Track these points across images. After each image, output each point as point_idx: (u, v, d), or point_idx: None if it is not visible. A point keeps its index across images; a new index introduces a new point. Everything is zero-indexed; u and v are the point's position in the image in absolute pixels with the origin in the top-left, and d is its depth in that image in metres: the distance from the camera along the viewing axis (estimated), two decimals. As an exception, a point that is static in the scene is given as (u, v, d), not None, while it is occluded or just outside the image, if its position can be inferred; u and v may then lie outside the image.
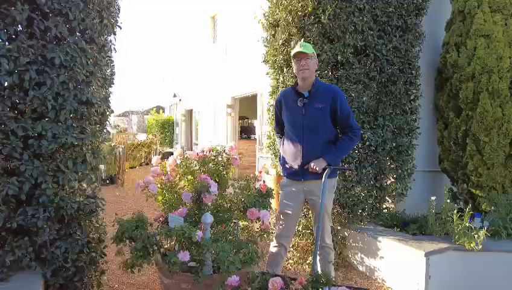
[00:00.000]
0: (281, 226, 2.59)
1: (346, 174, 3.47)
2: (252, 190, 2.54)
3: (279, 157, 2.73)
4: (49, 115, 2.07)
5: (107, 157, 8.64)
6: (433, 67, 4.51)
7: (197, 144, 12.23)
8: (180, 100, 14.09)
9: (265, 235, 2.52)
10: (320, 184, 2.47)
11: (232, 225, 2.47)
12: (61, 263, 2.19)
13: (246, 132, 11.27)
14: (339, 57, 3.40)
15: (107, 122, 2.64)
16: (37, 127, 2.01)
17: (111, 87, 2.77)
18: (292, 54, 2.43)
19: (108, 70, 2.68)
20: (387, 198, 3.96)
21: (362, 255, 3.36)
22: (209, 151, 2.72)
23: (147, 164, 12.92)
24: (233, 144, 2.81)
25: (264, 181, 2.57)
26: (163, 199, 2.60)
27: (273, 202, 2.91)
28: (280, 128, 2.71)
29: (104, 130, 2.62)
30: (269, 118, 4.04)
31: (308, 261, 3.40)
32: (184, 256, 1.99)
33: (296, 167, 2.49)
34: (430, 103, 4.52)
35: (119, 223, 2.31)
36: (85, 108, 2.24)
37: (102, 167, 8.68)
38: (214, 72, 10.18)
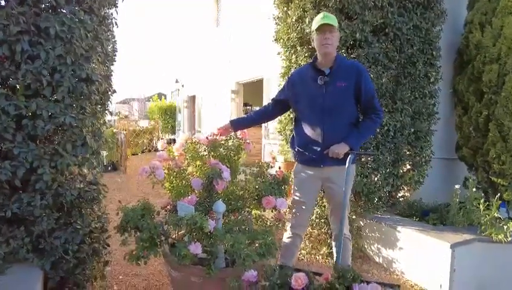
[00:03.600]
0: (295, 216, 2.41)
1: (363, 160, 3.27)
2: (267, 177, 2.34)
3: (291, 142, 2.53)
4: (44, 93, 1.86)
5: (109, 141, 8.47)
6: (453, 49, 4.26)
7: (199, 131, 12.02)
8: (182, 86, 13.83)
9: (280, 225, 2.34)
10: (340, 171, 2.28)
11: (245, 213, 2.28)
12: (60, 254, 2.01)
13: None
14: (357, 35, 3.16)
15: (109, 102, 2.44)
16: (31, 106, 1.80)
17: (112, 65, 2.56)
18: (315, 27, 2.20)
19: (109, 46, 2.46)
20: (403, 186, 3.77)
21: (379, 246, 3.19)
22: (219, 135, 2.52)
23: (149, 150, 12.76)
24: (245, 129, 2.61)
25: (280, 167, 2.37)
26: (170, 185, 2.41)
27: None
28: (274, 104, 2.52)
29: (106, 111, 2.41)
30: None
31: (321, 252, 3.24)
32: (196, 248, 1.81)
33: (314, 152, 2.29)
34: (449, 87, 4.29)
35: (123, 211, 2.12)
36: (84, 85, 2.02)
37: (104, 153, 8.53)
38: (218, 57, 9.89)
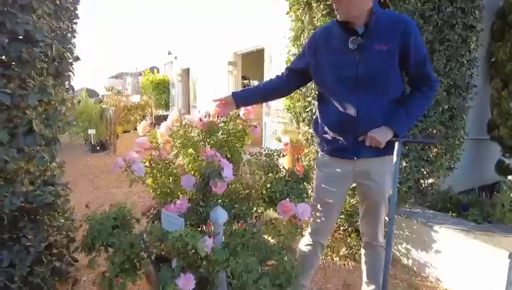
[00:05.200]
0: (318, 219, 1.87)
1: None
2: (281, 172, 1.77)
3: (313, 126, 1.95)
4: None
5: (94, 119, 7.83)
6: (490, 11, 3.61)
7: (195, 106, 11.35)
8: (175, 58, 12.99)
9: (300, 232, 1.81)
10: (380, 164, 1.73)
11: (253, 221, 1.74)
12: (3, 283, 1.47)
13: None
14: (390, -12, 2.51)
15: (69, 73, 1.82)
16: None
17: (75, 22, 1.92)
18: None
19: (66, -5, 1.81)
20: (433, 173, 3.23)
21: (408, 246, 2.69)
22: (218, 116, 1.93)
23: (142, 127, 12.12)
24: (250, 106, 2.01)
25: (299, 159, 1.80)
26: (154, 183, 1.85)
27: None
28: (290, 75, 1.90)
29: (66, 85, 1.80)
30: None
31: (341, 253, 2.74)
32: (187, 283, 1.27)
33: (345, 139, 1.72)
34: (485, 55, 3.67)
35: (88, 222, 1.57)
36: (23, 47, 1.41)
37: (92, 131, 7.89)
38: (213, 25, 9.06)
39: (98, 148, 7.64)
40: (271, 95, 2.02)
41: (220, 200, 1.71)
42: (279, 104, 5.49)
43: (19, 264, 1.51)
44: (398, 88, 1.71)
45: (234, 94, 1.92)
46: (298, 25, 2.99)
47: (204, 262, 1.38)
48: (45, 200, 1.59)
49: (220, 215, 1.50)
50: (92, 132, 7.64)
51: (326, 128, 1.80)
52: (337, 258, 2.73)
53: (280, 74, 2.00)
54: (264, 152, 2.04)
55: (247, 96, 1.95)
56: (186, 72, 12.32)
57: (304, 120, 3.00)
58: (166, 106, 14.06)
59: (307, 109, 2.86)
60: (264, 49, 6.56)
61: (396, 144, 1.61)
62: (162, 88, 14.07)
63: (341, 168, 1.79)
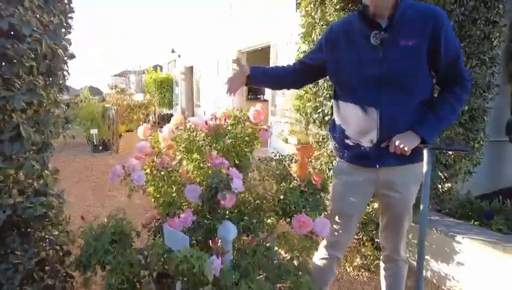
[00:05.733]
0: (336, 233, 1.71)
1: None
2: (295, 182, 1.60)
3: (330, 129, 1.78)
4: None
5: (97, 120, 7.69)
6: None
7: (199, 105, 11.20)
8: (179, 56, 12.84)
9: (315, 247, 1.65)
10: (404, 173, 1.58)
11: (263, 235, 1.58)
12: (-12, 305, 1.33)
13: (253, 91, 10.04)
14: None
15: (63, 72, 1.66)
16: None
17: (70, 17, 1.76)
18: None
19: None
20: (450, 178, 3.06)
21: (427, 257, 2.52)
22: (225, 119, 1.77)
23: (145, 126, 11.98)
24: (259, 107, 1.85)
25: (314, 168, 1.64)
26: (156, 191, 1.69)
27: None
28: (302, 69, 1.72)
29: (59, 85, 1.65)
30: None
31: (354, 264, 2.57)
32: (192, 313, 1.11)
33: (366, 145, 1.55)
34: (504, 51, 3.48)
35: (83, 238, 1.41)
36: (8, 43, 1.25)
37: (94, 131, 7.76)
38: (217, 23, 8.90)
39: (100, 148, 7.51)
40: (286, 81, 1.81)
41: (227, 211, 1.55)
42: (285, 104, 5.33)
43: (6, 283, 1.36)
44: (426, 88, 1.53)
45: (253, 69, 1.70)
46: (308, 21, 2.82)
47: (212, 286, 1.23)
48: (36, 212, 1.44)
49: (230, 231, 1.35)
50: (94, 131, 7.51)
51: (345, 133, 1.63)
52: (351, 269, 2.57)
53: (293, 64, 1.83)
54: (274, 157, 1.88)
55: (264, 74, 1.74)
56: (189, 71, 12.17)
57: (314, 121, 2.84)
58: (170, 105, 13.92)
59: (318, 110, 2.70)
60: (269, 46, 6.39)
61: (425, 152, 1.44)
62: (165, 86, 13.93)
63: (362, 177, 1.62)
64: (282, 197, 1.52)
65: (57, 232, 1.65)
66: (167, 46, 14.40)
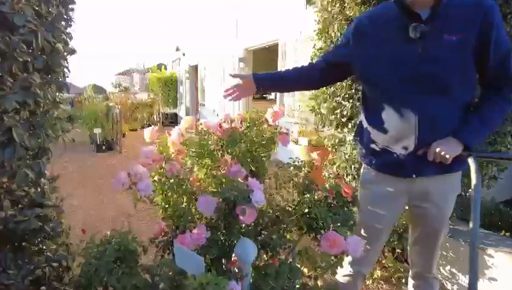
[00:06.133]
0: (362, 248, 1.54)
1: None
2: (321, 191, 1.42)
3: (357, 134, 1.61)
4: None
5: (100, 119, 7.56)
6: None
7: (203, 105, 11.04)
8: (183, 54, 12.69)
9: (341, 263, 1.47)
10: (443, 184, 1.41)
11: (287, 252, 1.41)
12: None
13: None
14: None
15: (63, 69, 1.50)
16: None
17: (71, 9, 1.60)
18: None
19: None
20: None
21: (454, 270, 2.34)
22: (241, 122, 1.60)
23: (149, 125, 11.85)
24: (277, 108, 1.68)
25: (344, 179, 1.47)
26: (164, 201, 1.53)
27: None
28: (325, 68, 1.55)
29: (58, 83, 1.48)
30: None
31: (374, 276, 2.40)
32: None
33: (400, 152, 1.38)
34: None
35: (84, 255, 1.25)
36: (-2, 35, 1.09)
37: (98, 130, 7.62)
38: (223, 20, 8.73)
39: (103, 147, 7.38)
40: (300, 83, 1.68)
41: (244, 228, 1.38)
42: (295, 104, 5.15)
43: (-4, 307, 1.20)
44: (470, 89, 1.36)
45: (255, 76, 1.59)
46: (325, 16, 2.65)
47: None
48: (30, 225, 1.28)
49: (250, 251, 1.18)
50: (97, 130, 7.38)
51: (374, 138, 1.46)
52: (370, 281, 2.40)
53: (313, 63, 1.67)
54: (293, 163, 1.71)
55: (271, 80, 1.64)
56: (194, 69, 12.02)
57: (331, 123, 2.66)
58: (174, 104, 13.78)
59: (336, 111, 2.52)
60: (277, 44, 6.21)
61: (471, 161, 1.27)
62: (169, 85, 13.79)
63: (393, 187, 1.45)
64: (306, 210, 1.35)
65: (54, 246, 1.49)
66: (171, 44, 14.26)
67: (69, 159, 6.33)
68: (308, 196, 1.40)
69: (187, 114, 12.38)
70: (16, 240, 1.34)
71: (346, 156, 2.46)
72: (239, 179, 1.31)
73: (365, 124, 1.51)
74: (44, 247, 1.46)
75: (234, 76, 1.65)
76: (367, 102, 1.51)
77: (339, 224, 1.29)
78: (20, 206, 1.31)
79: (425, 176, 1.38)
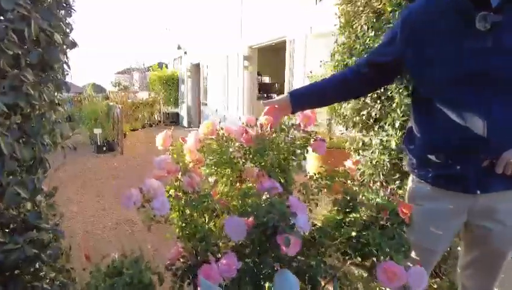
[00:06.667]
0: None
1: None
2: (367, 210, 1.20)
3: (406, 141, 1.39)
4: None
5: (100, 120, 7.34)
6: None
7: (206, 104, 10.82)
8: (185, 53, 12.46)
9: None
10: (510, 200, 1.18)
11: (326, 280, 1.19)
12: None
13: (264, 90, 9.49)
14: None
15: (62, 65, 1.28)
16: None
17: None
18: None
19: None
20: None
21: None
22: (271, 127, 1.38)
23: (150, 125, 11.68)
24: (309, 111, 1.46)
25: (403, 199, 1.25)
26: (181, 219, 1.31)
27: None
28: (371, 70, 1.33)
29: (57, 81, 1.26)
30: (332, 66, 2.63)
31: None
32: None
33: (463, 164, 1.16)
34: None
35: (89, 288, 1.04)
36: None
37: (98, 131, 7.39)
38: (227, 17, 8.50)
39: (104, 148, 7.15)
40: (342, 96, 1.48)
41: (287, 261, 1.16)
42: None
43: None
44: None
45: (292, 95, 1.38)
46: (348, 9, 2.43)
47: None
48: (24, 254, 1.06)
49: (292, 286, 0.96)
50: (98, 131, 7.15)
51: (429, 147, 1.24)
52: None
53: (351, 67, 1.46)
54: (323, 171, 1.49)
55: (309, 98, 1.43)
56: (196, 68, 11.79)
57: (355, 125, 2.45)
58: (176, 103, 13.55)
59: (362, 112, 2.30)
60: (284, 42, 5.99)
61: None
62: (171, 84, 13.55)
63: (452, 204, 1.24)
64: (354, 233, 1.13)
65: (53, 274, 1.27)
66: (172, 42, 14.03)
67: (68, 162, 6.11)
68: (355, 215, 1.18)
69: (188, 113, 12.16)
70: (6, 270, 1.12)
71: (374, 162, 2.24)
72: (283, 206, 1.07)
73: (416, 130, 1.29)
74: (41, 274, 1.24)
75: (266, 104, 1.44)
76: (420, 105, 1.29)
77: (393, 251, 1.07)
78: (9, 230, 1.09)
79: (494, 192, 1.16)
